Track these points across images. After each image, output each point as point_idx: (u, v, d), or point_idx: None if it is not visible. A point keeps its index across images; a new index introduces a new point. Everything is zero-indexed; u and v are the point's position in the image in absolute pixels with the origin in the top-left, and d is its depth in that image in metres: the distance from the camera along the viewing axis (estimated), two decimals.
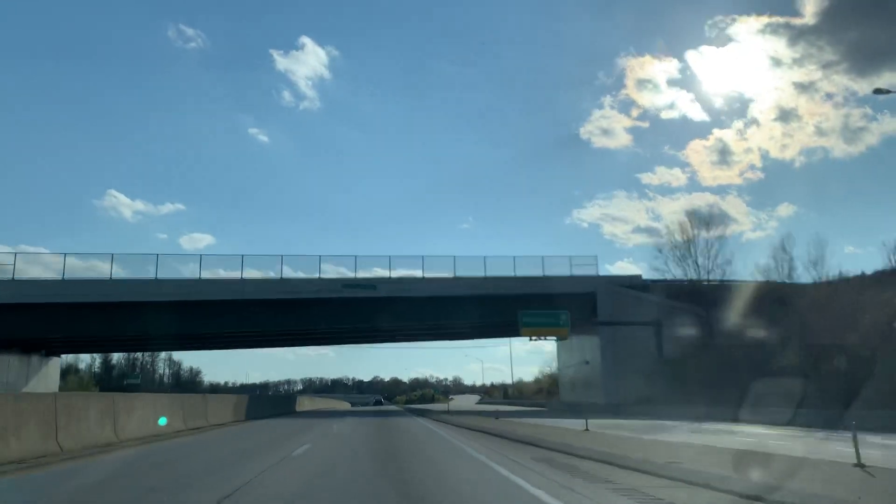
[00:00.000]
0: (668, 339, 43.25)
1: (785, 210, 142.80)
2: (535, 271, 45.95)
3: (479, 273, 44.57)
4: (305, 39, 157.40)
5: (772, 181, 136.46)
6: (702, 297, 43.03)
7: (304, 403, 50.39)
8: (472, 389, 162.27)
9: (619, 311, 45.33)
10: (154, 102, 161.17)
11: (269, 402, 38.09)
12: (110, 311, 38.56)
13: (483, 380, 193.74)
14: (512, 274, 45.23)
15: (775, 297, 37.29)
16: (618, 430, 19.65)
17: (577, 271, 46.90)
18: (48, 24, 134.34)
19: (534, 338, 43.48)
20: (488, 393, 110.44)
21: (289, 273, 41.54)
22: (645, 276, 48.26)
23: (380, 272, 43.65)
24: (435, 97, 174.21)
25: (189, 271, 40.39)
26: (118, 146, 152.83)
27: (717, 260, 43.43)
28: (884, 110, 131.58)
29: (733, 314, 38.81)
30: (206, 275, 40.16)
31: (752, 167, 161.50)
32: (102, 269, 40.02)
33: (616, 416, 34.75)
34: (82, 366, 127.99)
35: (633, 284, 47.03)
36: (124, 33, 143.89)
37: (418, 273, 43.65)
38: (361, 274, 42.70)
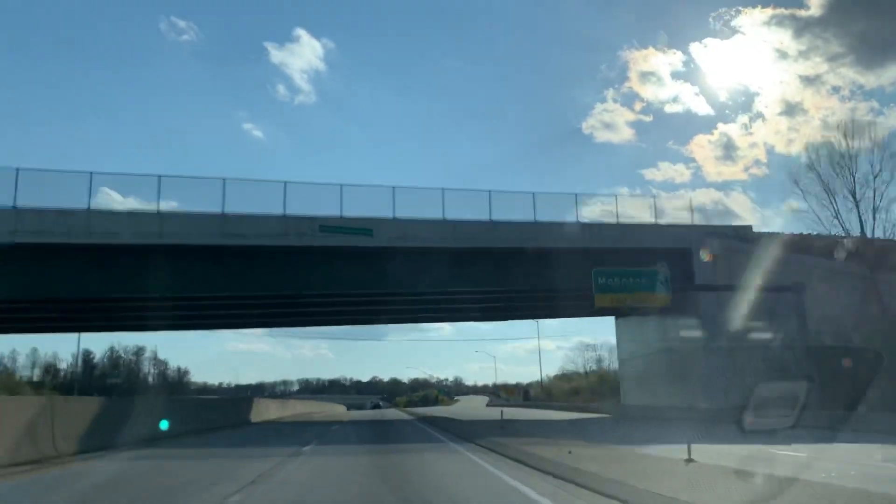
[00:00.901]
0: (813, 314, 26.64)
1: (790, 206, 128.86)
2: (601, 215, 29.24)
3: (526, 216, 27.75)
4: (300, 31, 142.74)
5: (777, 176, 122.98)
6: (861, 254, 26.63)
7: (269, 410, 32.79)
8: (474, 390, 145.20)
9: (727, 274, 28.65)
10: (147, 97, 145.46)
11: (181, 410, 20.27)
12: None
13: (485, 380, 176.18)
14: (574, 219, 28.41)
15: None
16: None
17: (661, 219, 30.21)
18: (38, 18, 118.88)
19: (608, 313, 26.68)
20: (497, 394, 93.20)
21: (237, 208, 24.52)
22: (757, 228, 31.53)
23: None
24: (434, 91, 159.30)
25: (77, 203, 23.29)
26: (111, 143, 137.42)
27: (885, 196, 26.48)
28: (891, 104, 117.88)
29: None
30: (100, 204, 23.15)
31: (758, 162, 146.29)
32: None
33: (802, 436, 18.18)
34: (63, 365, 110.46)
35: (741, 237, 30.31)
36: (115, 26, 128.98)
37: (437, 214, 26.75)
38: (351, 214, 25.83)
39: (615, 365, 59.46)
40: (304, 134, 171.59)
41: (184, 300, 25.49)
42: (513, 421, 20.55)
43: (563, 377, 58.90)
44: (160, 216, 23.45)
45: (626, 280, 25.17)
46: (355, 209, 25.87)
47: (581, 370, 62.65)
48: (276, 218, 24.74)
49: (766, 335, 26.93)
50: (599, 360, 57.13)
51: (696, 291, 29.10)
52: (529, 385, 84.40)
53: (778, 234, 30.44)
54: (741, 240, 29.83)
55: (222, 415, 24.33)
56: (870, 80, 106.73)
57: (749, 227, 31.09)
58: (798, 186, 27.69)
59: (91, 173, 23.17)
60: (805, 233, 28.41)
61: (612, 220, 29.24)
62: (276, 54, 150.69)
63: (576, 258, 27.52)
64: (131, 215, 23.35)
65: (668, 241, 29.37)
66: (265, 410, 31.32)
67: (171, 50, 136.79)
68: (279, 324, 37.00)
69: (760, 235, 30.29)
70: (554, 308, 34.85)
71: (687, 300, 29.36)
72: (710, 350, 28.56)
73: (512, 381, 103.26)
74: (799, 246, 28.72)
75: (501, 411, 19.24)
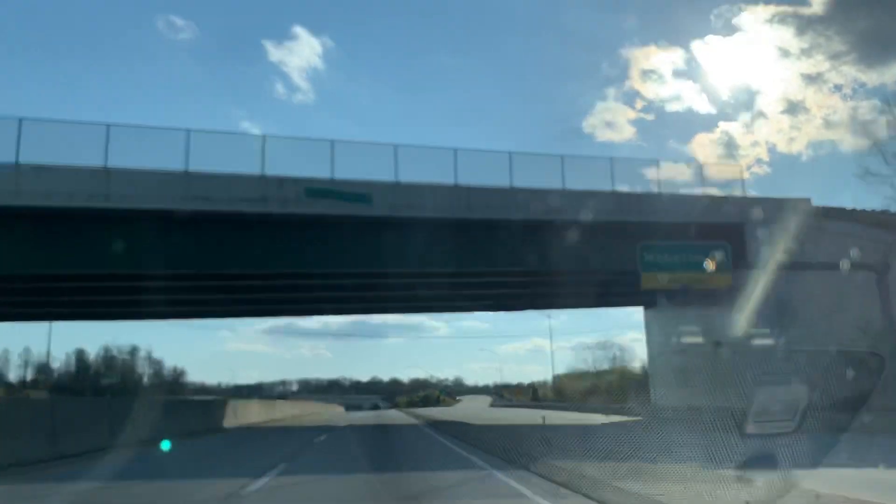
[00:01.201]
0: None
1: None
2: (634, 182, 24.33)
3: (553, 183, 22.75)
4: (299, 29, 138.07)
5: (779, 175, 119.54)
6: None
7: (250, 413, 27.19)
8: (475, 390, 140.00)
9: (787, 253, 23.69)
10: (144, 96, 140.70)
11: (120, 415, 14.61)
12: None
13: (486, 380, 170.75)
14: (609, 187, 23.39)
15: None
16: None
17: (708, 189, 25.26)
18: (34, 16, 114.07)
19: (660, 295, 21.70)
20: (500, 394, 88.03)
21: (204, 166, 19.44)
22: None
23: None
24: (433, 89, 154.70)
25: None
26: None
27: None
28: (893, 102, 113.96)
29: None
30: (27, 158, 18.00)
31: (759, 161, 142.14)
32: None
33: None
34: (57, 364, 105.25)
35: (802, 211, 25.30)
36: (112, 25, 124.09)
37: (447, 179, 21.70)
38: (344, 177, 20.80)
39: (629, 363, 54.46)
40: (303, 132, 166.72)
41: (136, 279, 20.35)
42: (554, 428, 14.80)
43: (575, 376, 53.90)
44: (107, 173, 18.35)
45: (680, 257, 20.16)
46: (350, 172, 20.86)
47: (591, 369, 57.72)
48: (253, 179, 19.67)
49: (840, 323, 22.04)
50: (613, 359, 52.33)
51: (748, 272, 24.05)
52: (530, 385, 79.39)
53: (844, 208, 25.50)
54: (802, 214, 24.84)
55: (185, 420, 19.03)
56: (872, 78, 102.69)
57: (808, 200, 26.08)
58: (878, 149, 22.66)
59: (20, 119, 18.08)
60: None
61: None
62: (274, 52, 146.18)
63: (610, 233, 22.62)
64: (71, 172, 18.21)
65: (716, 216, 24.41)
66: (245, 413, 25.98)
67: (169, 48, 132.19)
68: (258, 312, 31.61)
69: (826, 210, 25.36)
70: (580, 295, 29.72)
71: (736, 284, 24.32)
72: (768, 341, 23.46)
73: (512, 381, 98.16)
74: (874, 221, 23.79)
75: (543, 417, 13.95)
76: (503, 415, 35.62)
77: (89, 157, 18.47)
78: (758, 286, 23.72)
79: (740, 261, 23.98)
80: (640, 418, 29.86)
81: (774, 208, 25.01)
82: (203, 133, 19.57)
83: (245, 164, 19.84)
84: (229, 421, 23.31)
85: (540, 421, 19.20)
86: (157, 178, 18.73)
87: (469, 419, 26.39)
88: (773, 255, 23.79)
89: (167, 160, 19.07)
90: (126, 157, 18.79)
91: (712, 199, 24.57)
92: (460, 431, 16.91)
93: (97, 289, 22.90)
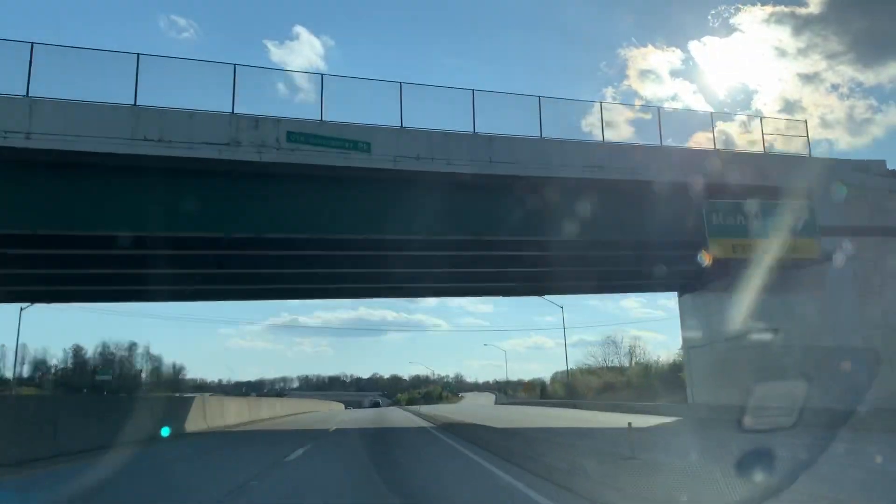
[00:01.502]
0: None
1: None
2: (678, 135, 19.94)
3: (593, 135, 18.30)
4: (300, 29, 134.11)
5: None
6: None
7: (227, 412, 22.12)
8: (476, 387, 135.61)
9: (868, 217, 19.33)
10: (145, 95, 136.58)
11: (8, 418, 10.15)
12: None
13: (486, 376, 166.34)
14: (657, 142, 18.87)
15: None
16: None
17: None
18: (37, 17, 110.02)
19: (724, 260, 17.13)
20: (504, 391, 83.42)
21: (155, 101, 14.89)
22: None
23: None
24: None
25: None
26: None
27: None
28: (889, 101, 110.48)
29: None
30: None
31: None
32: None
33: None
34: (54, 361, 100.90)
35: (878, 172, 20.83)
36: (114, 23, 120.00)
37: (465, 127, 17.21)
38: (337, 119, 16.30)
39: (646, 357, 50.02)
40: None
41: (64, 242, 15.76)
42: (629, 432, 9.75)
43: (589, 371, 49.33)
44: (30, 104, 13.82)
45: (754, 219, 15.61)
46: (344, 114, 16.36)
47: (600, 364, 53.29)
48: (221, 117, 15.16)
49: None
50: (631, 353, 48.01)
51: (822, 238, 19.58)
52: (532, 381, 74.77)
53: None
54: (881, 175, 20.41)
55: (125, 425, 13.98)
56: (869, 77, 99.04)
57: (882, 162, 21.55)
58: None
59: None
60: None
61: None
62: (275, 52, 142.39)
63: (661, 195, 18.06)
64: None
65: (781, 178, 19.89)
66: (218, 414, 20.90)
67: (171, 48, 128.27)
68: (230, 293, 26.44)
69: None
70: (605, 276, 25.13)
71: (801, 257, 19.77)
72: (843, 327, 18.97)
73: (513, 377, 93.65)
74: None
75: (629, 424, 9.46)
76: (521, 415, 30.83)
77: (9, 85, 13.97)
78: (834, 257, 19.31)
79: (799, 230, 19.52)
80: (679, 418, 25.42)
81: (850, 169, 20.55)
82: (157, 58, 15.05)
83: (213, 102, 15.40)
84: (195, 423, 18.45)
85: (551, 420, 14.36)
86: (96, 113, 14.21)
87: (486, 420, 21.65)
88: (848, 220, 19.42)
89: (112, 93, 14.58)
90: (59, 87, 14.33)
91: (779, 157, 20.08)
92: (489, 441, 11.84)
93: (30, 257, 18.39)
